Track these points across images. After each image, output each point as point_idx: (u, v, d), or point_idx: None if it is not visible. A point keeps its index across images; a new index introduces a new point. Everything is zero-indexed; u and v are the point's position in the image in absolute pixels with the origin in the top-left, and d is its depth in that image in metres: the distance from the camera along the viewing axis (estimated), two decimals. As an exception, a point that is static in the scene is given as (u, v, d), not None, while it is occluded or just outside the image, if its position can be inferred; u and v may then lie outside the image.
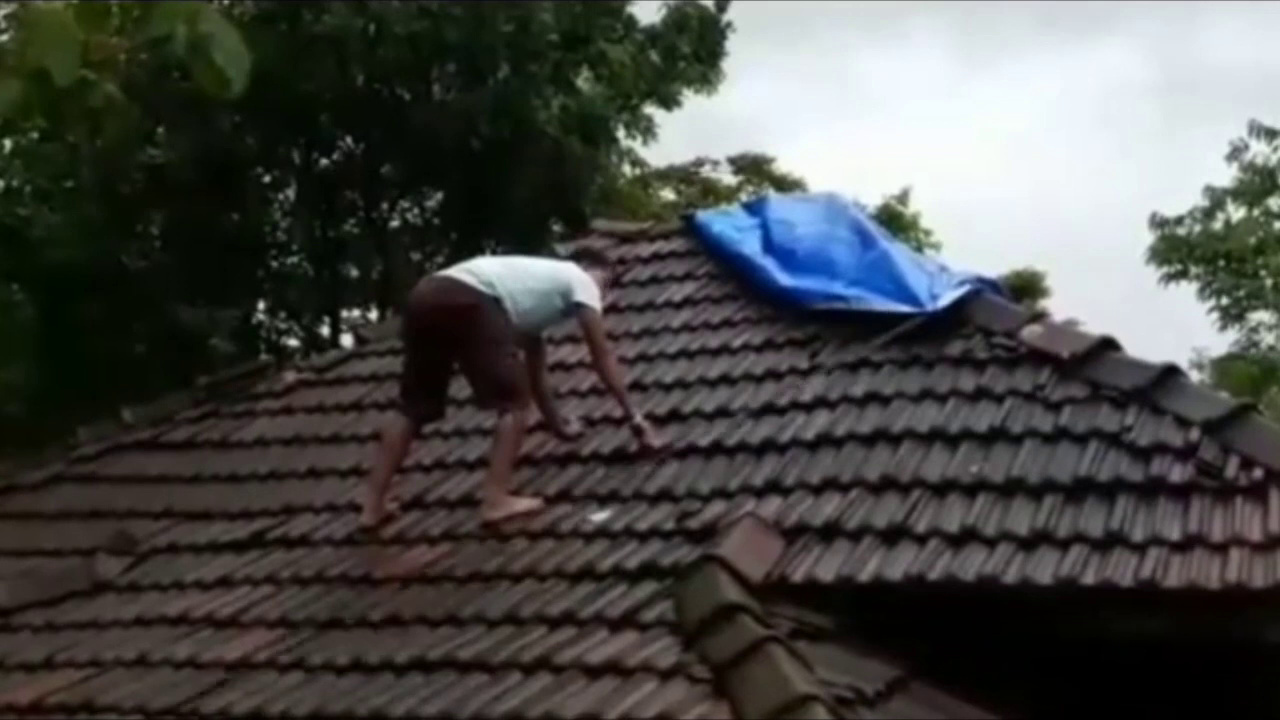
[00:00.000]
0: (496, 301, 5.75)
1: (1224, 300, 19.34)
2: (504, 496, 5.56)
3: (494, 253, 14.63)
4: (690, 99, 15.75)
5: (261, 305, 15.88)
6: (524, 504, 5.55)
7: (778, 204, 7.62)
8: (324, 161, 15.46)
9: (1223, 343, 19.98)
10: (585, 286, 5.99)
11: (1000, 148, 40.70)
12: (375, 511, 5.66)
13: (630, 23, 15.02)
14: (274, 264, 15.82)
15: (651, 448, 5.73)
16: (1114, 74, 41.34)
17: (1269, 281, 19.15)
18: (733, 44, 15.57)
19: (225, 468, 6.50)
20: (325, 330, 15.79)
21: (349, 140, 15.27)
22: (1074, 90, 42.85)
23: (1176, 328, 20.12)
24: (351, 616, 4.96)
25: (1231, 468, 4.93)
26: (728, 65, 15.71)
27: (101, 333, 13.50)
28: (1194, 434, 5.11)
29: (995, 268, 6.54)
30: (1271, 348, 19.74)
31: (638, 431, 5.80)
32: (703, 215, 7.90)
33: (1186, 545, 4.60)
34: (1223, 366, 19.03)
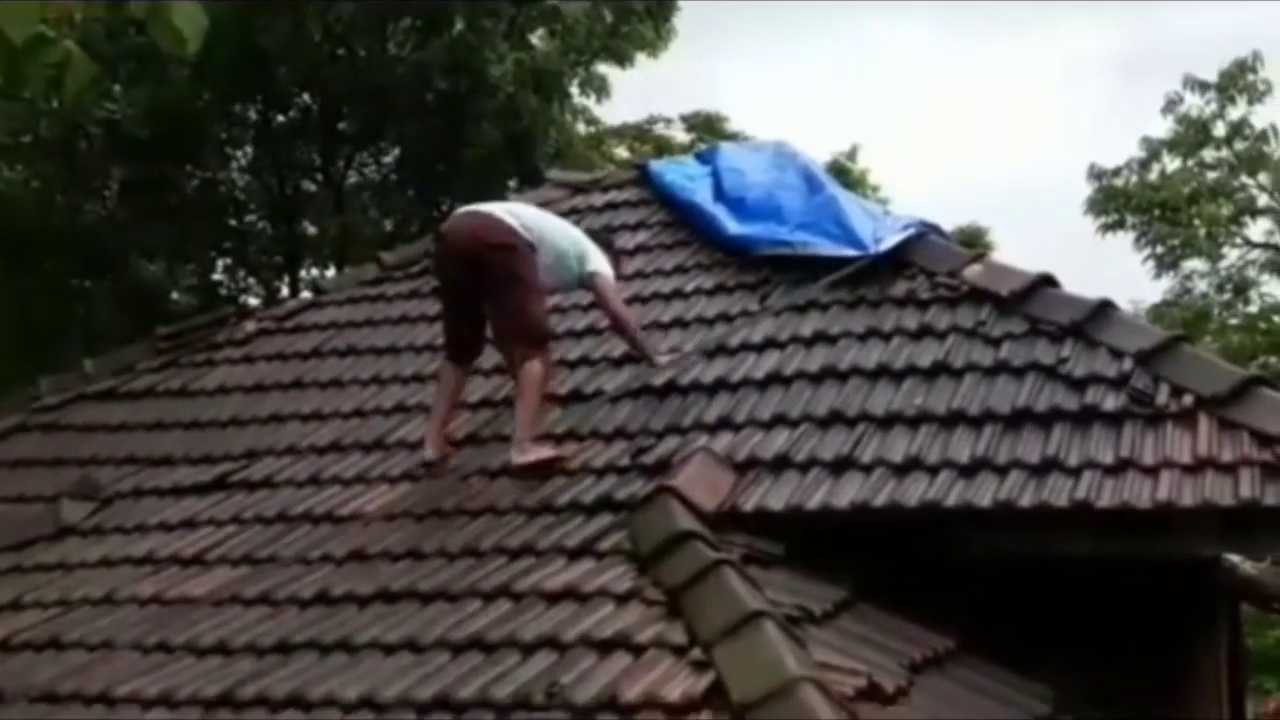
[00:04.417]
0: (531, 248, 5.78)
1: (1159, 249, 19.82)
2: (531, 442, 5.50)
3: (451, 208, 14.73)
4: (643, 62, 15.89)
5: (221, 263, 15.92)
6: (550, 451, 5.49)
7: (728, 153, 7.71)
8: (281, 118, 15.46)
9: (1157, 290, 20.47)
10: (600, 257, 6.01)
11: (964, 118, 41.12)
12: (437, 446, 5.66)
13: (584, -23, 15.09)
14: (233, 221, 15.83)
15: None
16: (1082, 47, 41.70)
17: (1202, 231, 19.64)
18: (690, 11, 15.74)
19: (187, 415, 6.58)
20: (284, 289, 15.84)
21: (306, 97, 15.28)
22: (1042, 63, 43.20)
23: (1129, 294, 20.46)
24: (314, 553, 5.07)
25: (1162, 395, 5.11)
26: (684, 31, 15.89)
27: (61, 290, 13.50)
28: (1127, 364, 5.29)
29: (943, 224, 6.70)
30: (1204, 295, 20.23)
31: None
32: (655, 165, 8.02)
33: (1119, 468, 4.78)
34: (1157, 313, 19.46)
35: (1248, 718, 9.23)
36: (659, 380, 5.84)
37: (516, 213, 5.92)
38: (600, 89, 15.99)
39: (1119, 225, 19.82)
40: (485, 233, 5.79)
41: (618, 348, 6.17)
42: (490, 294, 5.76)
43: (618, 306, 6.00)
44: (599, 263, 5.99)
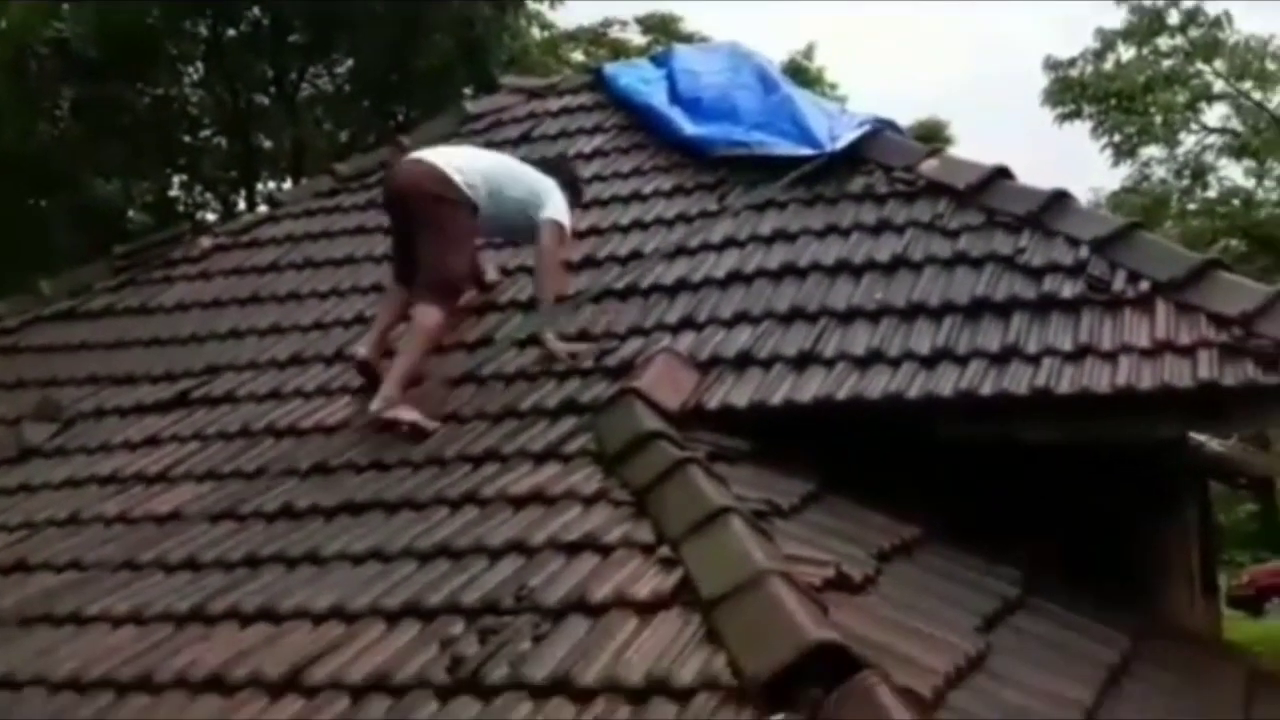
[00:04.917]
0: (474, 209, 5.63)
1: (1116, 137, 19.96)
2: (400, 396, 5.24)
3: (406, 119, 14.58)
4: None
5: (177, 179, 15.76)
6: (415, 416, 5.15)
7: (683, 55, 7.67)
8: (231, 32, 15.21)
9: (1116, 178, 20.69)
10: (559, 202, 5.80)
11: (920, 12, 40.79)
12: (372, 349, 5.57)
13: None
14: (186, 137, 15.64)
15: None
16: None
17: (1158, 118, 19.77)
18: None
19: (146, 333, 6.53)
20: (241, 203, 15.71)
21: (256, 10, 15.02)
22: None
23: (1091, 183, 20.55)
24: (278, 467, 5.04)
25: (1119, 282, 5.12)
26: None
27: (16, 212, 13.33)
28: (1083, 252, 5.29)
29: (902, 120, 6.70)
30: (1163, 181, 20.41)
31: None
32: (610, 68, 7.99)
33: (1078, 355, 4.79)
34: (1117, 200, 19.60)
35: (1220, 591, 9.45)
36: (621, 283, 5.82)
37: (465, 168, 5.69)
38: (554, -7, 15.80)
39: (1075, 115, 19.91)
40: (423, 180, 5.64)
41: (575, 253, 6.13)
42: (419, 239, 5.61)
43: (549, 258, 5.68)
44: (554, 209, 5.77)
